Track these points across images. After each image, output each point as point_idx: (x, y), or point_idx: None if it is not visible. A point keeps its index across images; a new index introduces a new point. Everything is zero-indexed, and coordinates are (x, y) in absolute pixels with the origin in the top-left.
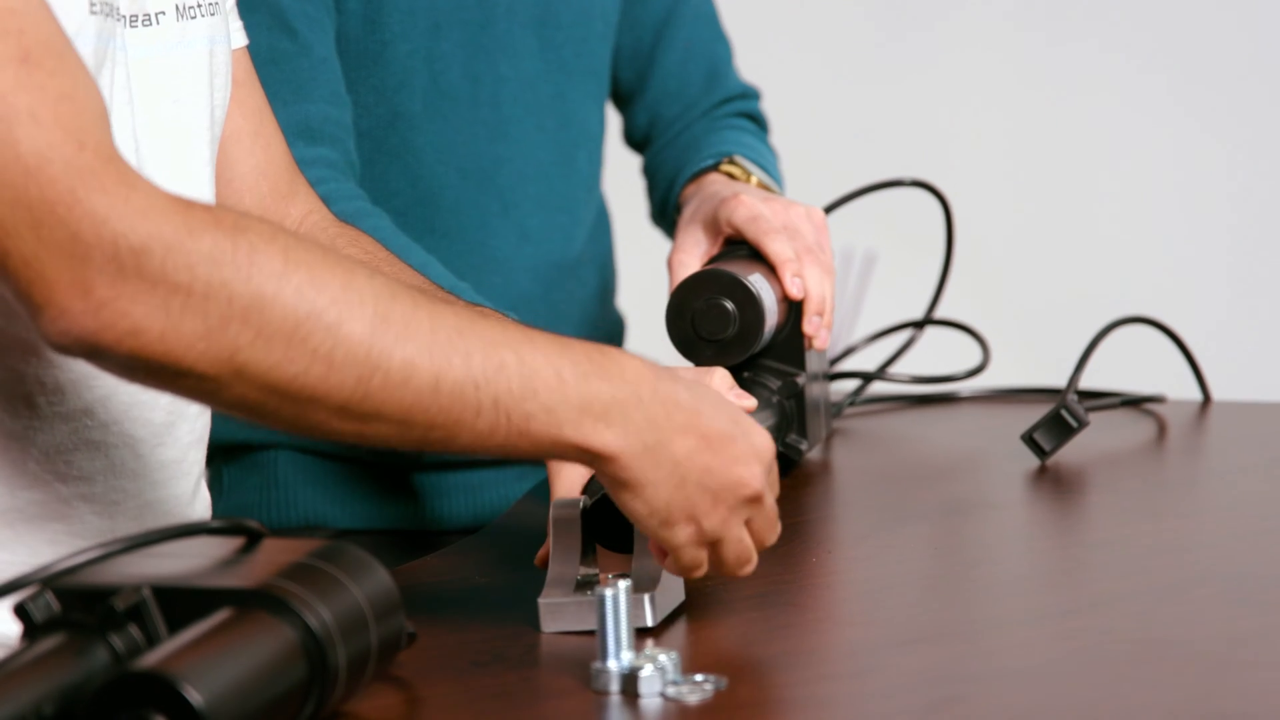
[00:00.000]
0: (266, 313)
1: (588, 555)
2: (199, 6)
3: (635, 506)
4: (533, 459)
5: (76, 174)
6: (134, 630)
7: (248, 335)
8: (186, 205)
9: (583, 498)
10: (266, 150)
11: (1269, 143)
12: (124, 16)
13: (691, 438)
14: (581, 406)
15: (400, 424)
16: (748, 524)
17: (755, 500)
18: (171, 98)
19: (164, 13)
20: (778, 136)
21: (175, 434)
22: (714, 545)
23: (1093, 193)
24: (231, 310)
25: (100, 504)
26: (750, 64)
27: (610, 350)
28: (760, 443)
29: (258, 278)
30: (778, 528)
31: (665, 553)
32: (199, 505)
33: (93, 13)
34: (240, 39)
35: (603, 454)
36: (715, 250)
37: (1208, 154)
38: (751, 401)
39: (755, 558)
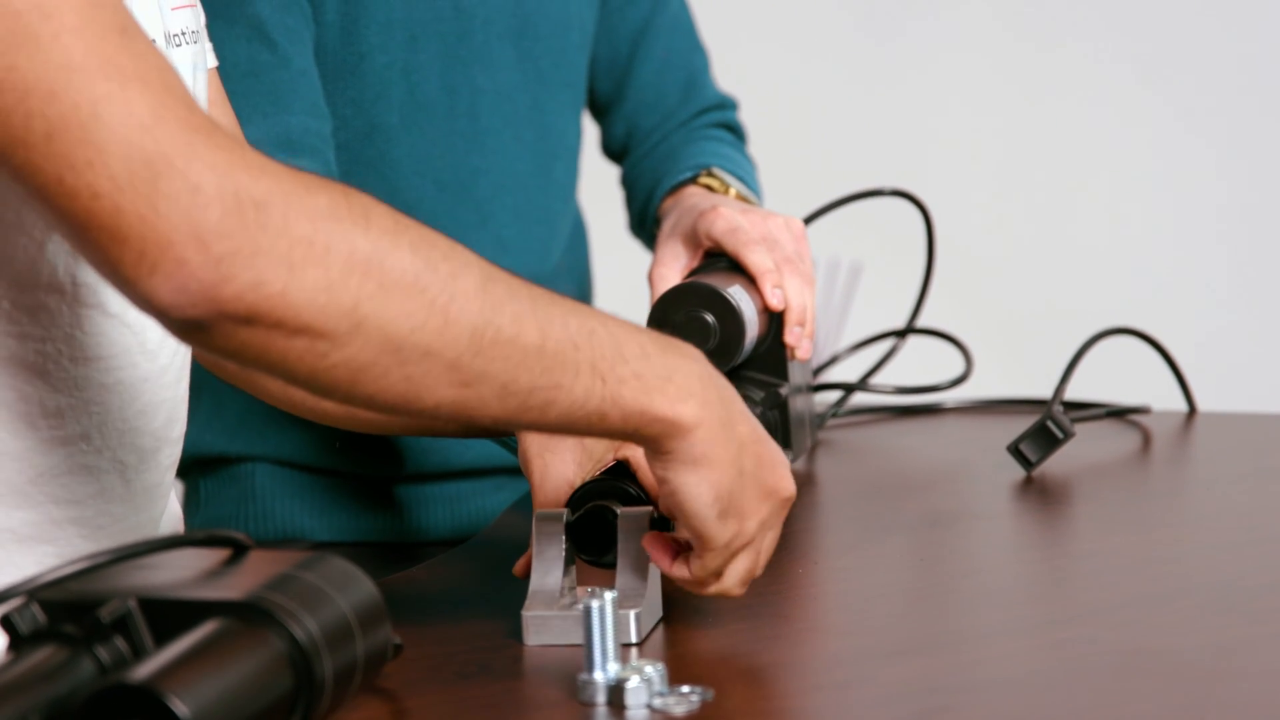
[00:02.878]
0: (387, 263)
1: (570, 567)
2: (183, 34)
3: (701, 491)
4: (614, 433)
5: (193, 130)
6: (120, 642)
7: (369, 287)
8: (294, 168)
9: (565, 510)
10: None
11: (1255, 152)
12: None
13: (747, 426)
14: (666, 376)
15: (504, 385)
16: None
17: (786, 504)
18: None
19: (154, 40)
20: (757, 146)
21: (158, 459)
22: (734, 555)
23: (1077, 202)
24: (353, 262)
25: (88, 527)
26: (729, 73)
27: (672, 338)
28: (784, 456)
29: (374, 231)
30: (771, 552)
31: (671, 557)
32: (170, 523)
33: None
34: (212, 60)
35: (686, 424)
36: (695, 263)
37: (1193, 163)
38: None
39: (750, 579)
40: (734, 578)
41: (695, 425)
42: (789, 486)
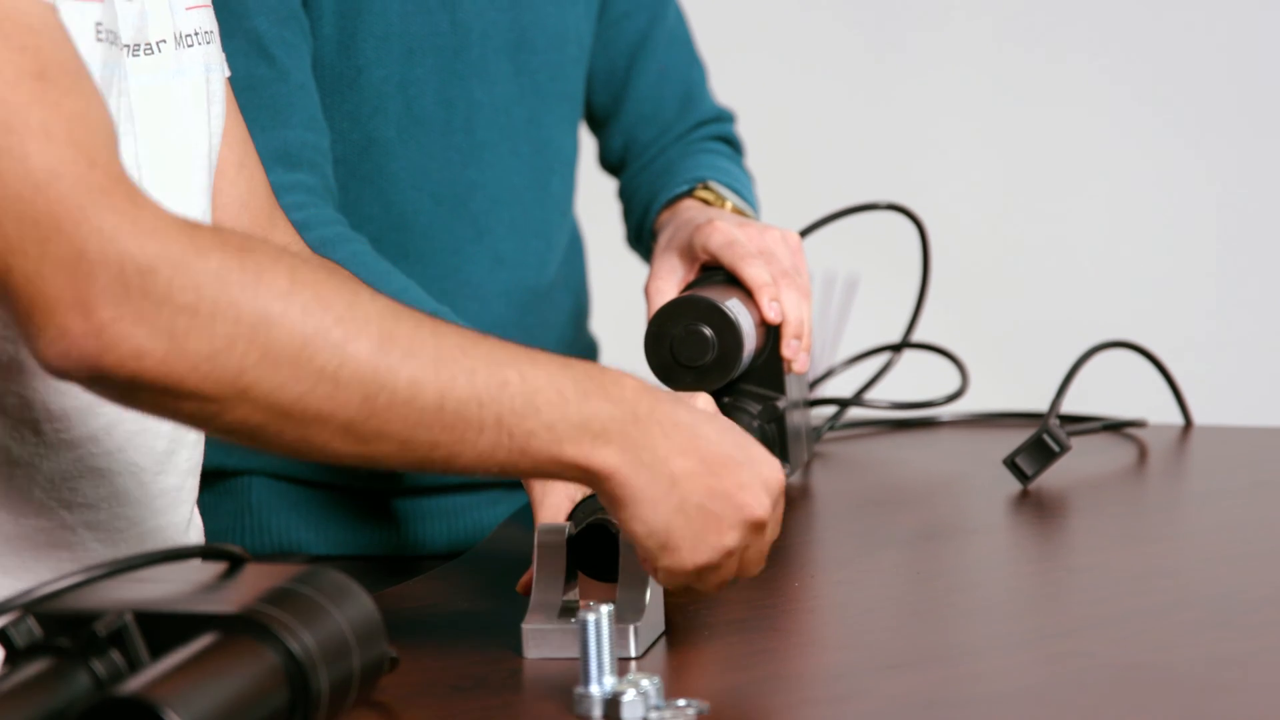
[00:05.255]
0: (273, 331)
1: (571, 582)
2: (195, 35)
3: (634, 527)
4: (531, 477)
5: (86, 191)
6: (116, 655)
7: (254, 355)
8: (193, 226)
9: (568, 524)
10: (250, 181)
11: (1250, 166)
12: (126, 45)
13: (691, 459)
14: (581, 424)
15: (404, 443)
16: (741, 550)
17: (758, 527)
18: (171, 125)
19: (164, 41)
20: (754, 159)
21: (175, 461)
22: (705, 570)
23: (1073, 215)
24: (238, 330)
25: (104, 531)
26: (726, 86)
27: (610, 370)
28: (769, 473)
29: (264, 296)
30: (763, 562)
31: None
32: (193, 532)
33: (99, 40)
34: (226, 69)
35: (600, 472)
36: (692, 276)
37: (1189, 177)
38: None
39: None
40: (705, 586)
41: (612, 471)
42: (755, 510)
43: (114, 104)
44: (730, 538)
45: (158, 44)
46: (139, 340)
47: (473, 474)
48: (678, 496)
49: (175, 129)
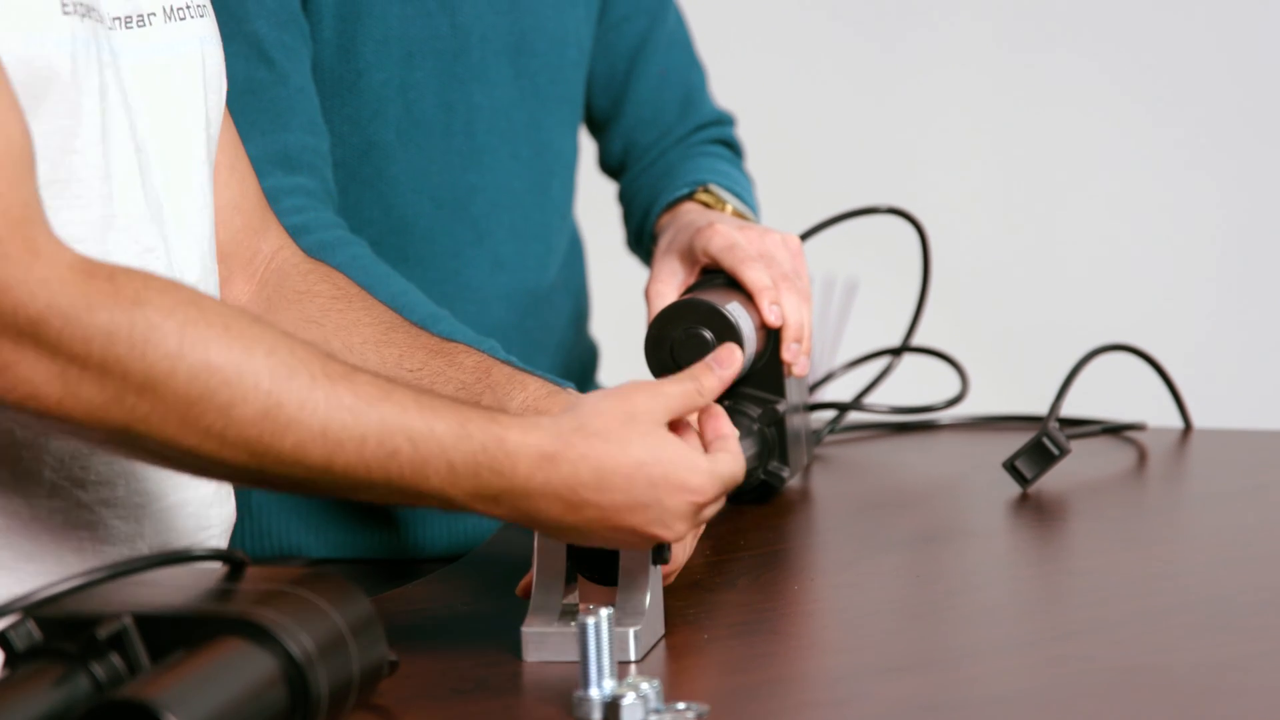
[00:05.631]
0: (160, 391)
1: (571, 585)
2: (188, 8)
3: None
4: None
5: None
6: (116, 658)
7: (142, 410)
8: (88, 275)
9: None
10: (241, 184)
11: (1250, 169)
12: (118, 19)
13: (589, 511)
14: (471, 493)
15: (296, 487)
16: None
17: (677, 539)
18: (167, 100)
19: (154, 14)
20: (754, 161)
21: None
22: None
23: (1073, 219)
24: (126, 386)
25: (123, 508)
26: (726, 88)
27: (509, 439)
28: (678, 502)
29: (152, 356)
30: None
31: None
32: (225, 508)
33: (65, 14)
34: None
35: (497, 518)
36: (692, 279)
37: (1189, 180)
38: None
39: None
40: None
41: (506, 520)
42: (666, 536)
43: (99, 80)
44: (646, 545)
45: (148, 16)
46: (36, 384)
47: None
48: (576, 535)
49: (171, 103)
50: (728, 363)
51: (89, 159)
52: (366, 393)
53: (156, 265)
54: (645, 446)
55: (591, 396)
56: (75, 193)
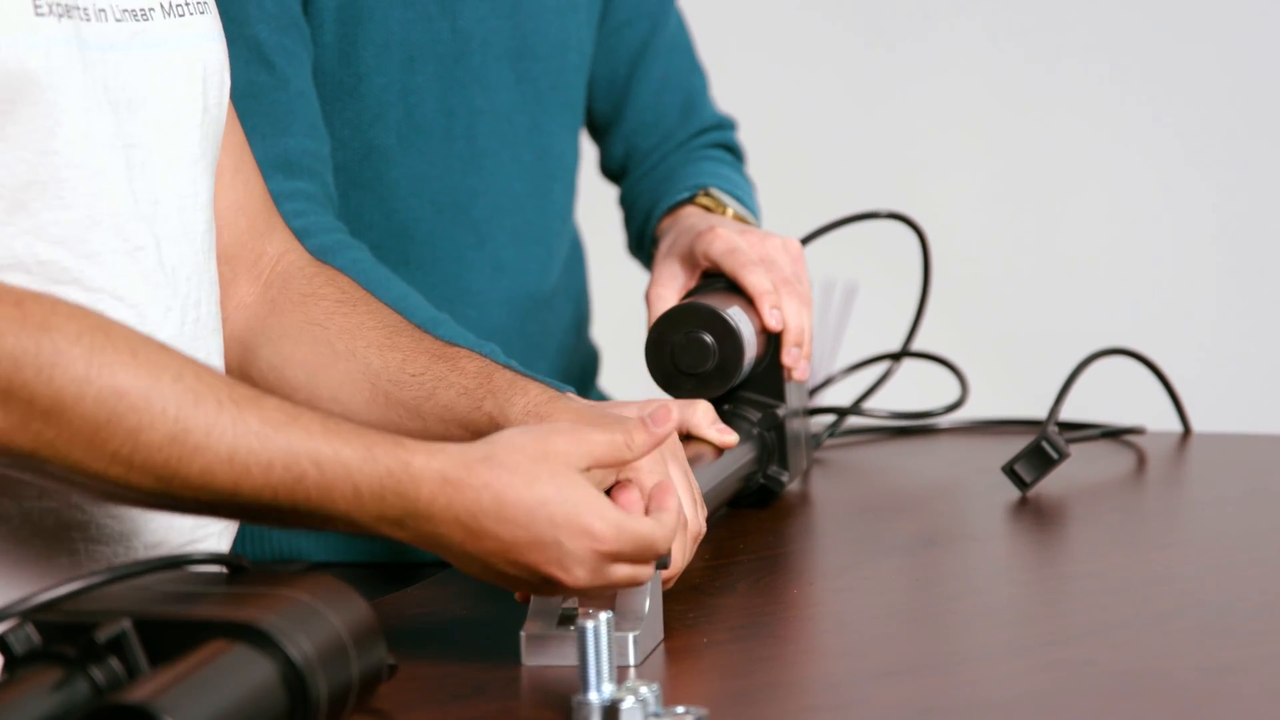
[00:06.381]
0: (66, 416)
1: None
2: (187, 5)
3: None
4: None
5: None
6: (115, 662)
7: (48, 434)
8: None
9: None
10: (246, 186)
11: (1250, 172)
12: (99, 10)
13: (488, 543)
14: (376, 516)
15: (209, 511)
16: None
17: (585, 590)
18: (163, 96)
19: (153, 10)
20: (754, 165)
21: None
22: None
23: (1072, 223)
24: (32, 410)
25: (116, 509)
26: (727, 93)
27: (414, 463)
28: (580, 546)
29: (59, 380)
30: (640, 580)
31: None
32: None
33: (39, 15)
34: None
35: (400, 541)
36: (693, 283)
37: (1189, 184)
38: (734, 436)
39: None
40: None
41: (409, 543)
42: (563, 579)
43: (80, 79)
44: (545, 590)
45: (148, 10)
46: None
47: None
48: (478, 566)
49: (167, 100)
50: (662, 421)
51: (70, 158)
52: (273, 418)
53: (147, 263)
54: (553, 486)
55: (511, 431)
56: (55, 193)
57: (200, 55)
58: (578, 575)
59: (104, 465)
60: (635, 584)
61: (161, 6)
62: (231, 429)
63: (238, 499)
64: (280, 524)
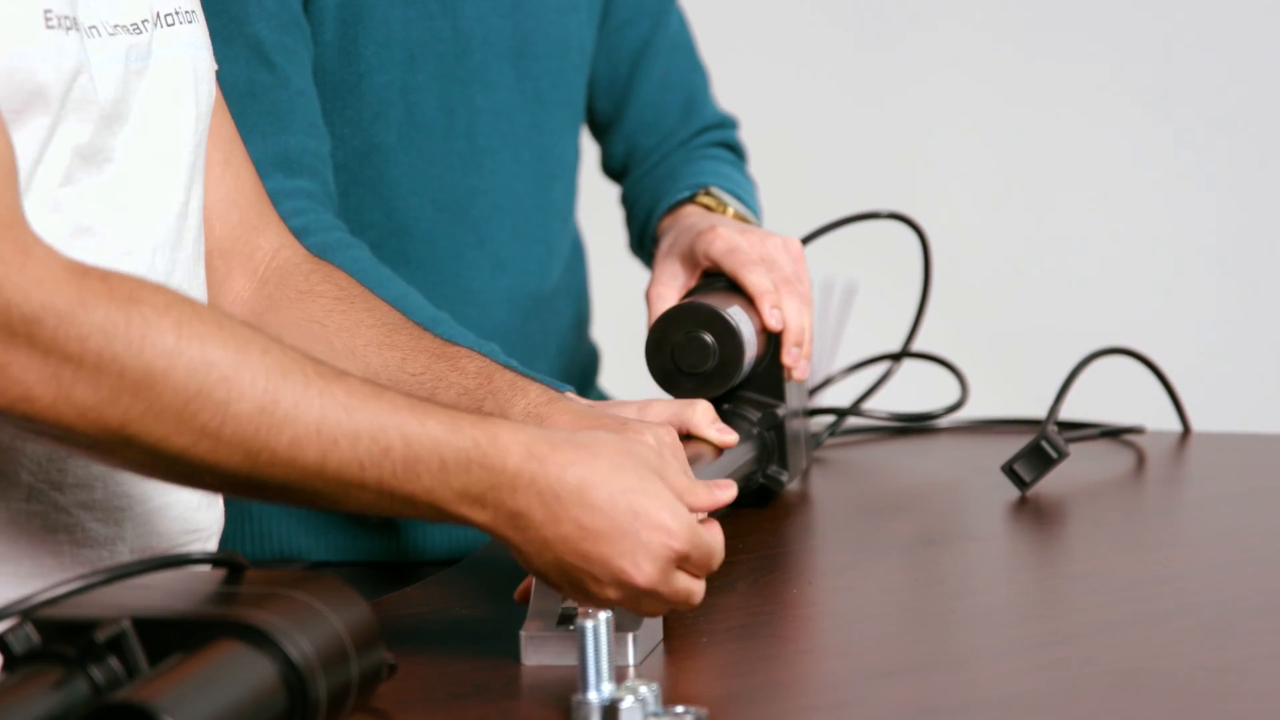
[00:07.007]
0: (156, 388)
1: None
2: (177, 14)
3: (523, 563)
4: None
5: None
6: (115, 662)
7: (138, 409)
8: (81, 274)
9: None
10: (237, 179)
11: (1249, 171)
12: (96, 27)
13: (566, 527)
14: (460, 490)
15: (286, 492)
16: (656, 591)
17: (646, 590)
18: (156, 105)
19: (146, 20)
20: (756, 165)
21: None
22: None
23: (1072, 222)
24: (122, 384)
25: (103, 510)
26: (728, 92)
27: (502, 432)
28: (658, 541)
29: (149, 353)
30: (698, 594)
31: None
32: (212, 512)
33: (49, 28)
34: (214, 63)
35: (479, 526)
36: (693, 283)
37: (1188, 184)
38: (733, 436)
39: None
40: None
41: (488, 528)
42: (633, 579)
43: (82, 91)
44: (610, 593)
45: (142, 23)
46: (28, 385)
47: (362, 513)
48: (551, 556)
49: (160, 109)
50: (725, 489)
51: (52, 168)
52: (359, 392)
53: (138, 270)
54: (635, 476)
55: (599, 432)
56: (41, 199)
57: (191, 64)
58: (647, 571)
59: (192, 439)
60: (688, 602)
61: (154, 16)
62: (319, 401)
63: (324, 474)
64: (361, 507)
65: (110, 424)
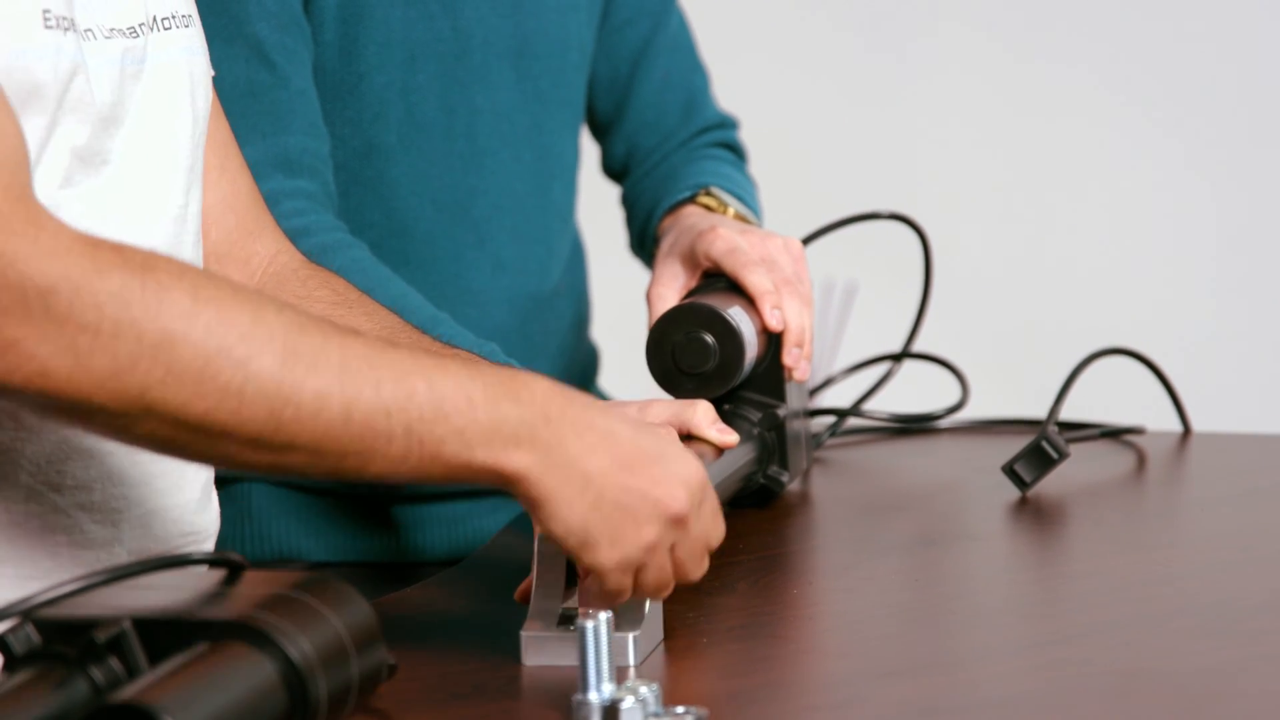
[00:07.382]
0: (175, 350)
1: (570, 589)
2: (173, 18)
3: (552, 527)
4: (445, 483)
5: None
6: (115, 662)
7: (157, 373)
8: (94, 244)
9: None
10: (233, 184)
11: (1249, 172)
12: (92, 30)
13: (604, 457)
14: (491, 429)
15: (313, 453)
16: (672, 550)
17: (679, 523)
18: (152, 109)
19: (143, 24)
20: (756, 165)
21: None
22: (636, 570)
23: (1072, 223)
24: (140, 349)
25: (101, 512)
26: (729, 92)
27: (520, 373)
28: (685, 470)
29: (166, 316)
30: (704, 564)
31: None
32: (208, 515)
33: (48, 28)
34: (210, 67)
35: (512, 474)
36: (693, 283)
37: (1189, 184)
38: (734, 436)
39: (671, 586)
40: (642, 588)
41: (524, 473)
42: (671, 505)
43: (79, 93)
44: (649, 532)
45: (138, 27)
46: (43, 359)
47: (386, 481)
48: (592, 494)
49: (156, 113)
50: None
51: (52, 169)
52: (375, 343)
53: None
54: (648, 428)
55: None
56: (41, 200)
57: (187, 68)
58: (681, 498)
59: (214, 402)
60: (688, 578)
61: (150, 20)
62: (339, 351)
63: (350, 426)
64: (390, 467)
65: (130, 392)
